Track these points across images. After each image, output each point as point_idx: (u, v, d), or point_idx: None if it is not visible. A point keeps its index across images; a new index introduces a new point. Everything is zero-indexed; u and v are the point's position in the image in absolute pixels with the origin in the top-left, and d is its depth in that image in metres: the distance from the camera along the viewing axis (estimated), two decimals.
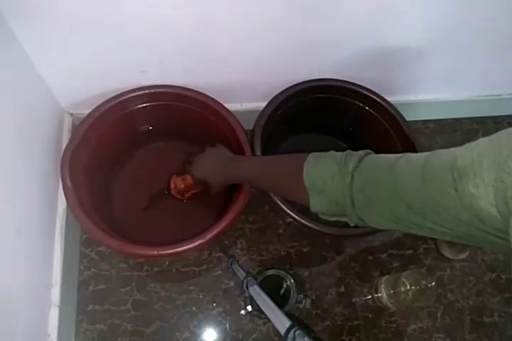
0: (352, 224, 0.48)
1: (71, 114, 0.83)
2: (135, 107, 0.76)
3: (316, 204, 0.49)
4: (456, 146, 0.35)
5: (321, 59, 0.77)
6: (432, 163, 0.36)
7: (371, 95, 0.79)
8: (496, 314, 0.86)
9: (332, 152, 0.50)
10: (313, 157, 0.50)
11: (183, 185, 0.76)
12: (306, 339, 0.57)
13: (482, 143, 0.33)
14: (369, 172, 0.43)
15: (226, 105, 0.76)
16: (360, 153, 0.46)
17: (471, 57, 0.83)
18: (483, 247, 0.92)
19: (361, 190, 0.43)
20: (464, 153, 0.33)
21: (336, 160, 0.47)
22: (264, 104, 0.76)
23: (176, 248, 0.62)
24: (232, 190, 0.73)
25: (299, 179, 0.49)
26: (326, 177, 0.46)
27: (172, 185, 0.79)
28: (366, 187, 0.43)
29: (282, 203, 0.67)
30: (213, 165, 0.69)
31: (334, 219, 0.50)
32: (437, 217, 0.36)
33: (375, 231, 0.70)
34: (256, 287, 0.68)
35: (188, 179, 0.74)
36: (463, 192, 0.32)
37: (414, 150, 0.75)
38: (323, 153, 0.51)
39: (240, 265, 0.75)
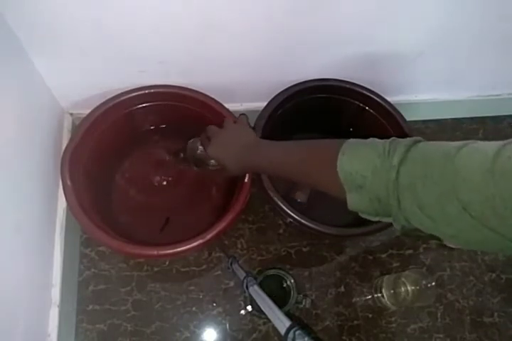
0: (398, 227, 0.40)
1: (71, 114, 0.83)
2: (135, 107, 0.76)
3: (354, 202, 0.42)
4: None
5: (320, 59, 0.77)
6: (509, 156, 0.29)
7: (371, 95, 0.79)
8: (495, 314, 0.86)
9: (372, 139, 0.43)
10: (348, 146, 0.43)
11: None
12: (306, 339, 0.57)
13: None
14: (419, 165, 0.36)
15: (226, 105, 0.76)
16: (408, 141, 0.38)
17: (471, 58, 0.83)
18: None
19: (409, 187, 0.36)
20: None
21: (378, 151, 0.39)
22: (264, 104, 0.76)
23: (176, 248, 0.62)
24: (232, 190, 0.73)
25: (333, 172, 0.42)
26: (366, 171, 0.39)
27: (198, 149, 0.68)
28: (415, 184, 0.35)
29: (282, 203, 0.67)
30: (235, 148, 0.61)
31: (377, 219, 0.43)
32: (500, 224, 0.29)
33: (375, 231, 0.69)
34: (256, 287, 0.68)
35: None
36: None
37: None
38: (361, 141, 0.43)
39: (240, 265, 0.75)
